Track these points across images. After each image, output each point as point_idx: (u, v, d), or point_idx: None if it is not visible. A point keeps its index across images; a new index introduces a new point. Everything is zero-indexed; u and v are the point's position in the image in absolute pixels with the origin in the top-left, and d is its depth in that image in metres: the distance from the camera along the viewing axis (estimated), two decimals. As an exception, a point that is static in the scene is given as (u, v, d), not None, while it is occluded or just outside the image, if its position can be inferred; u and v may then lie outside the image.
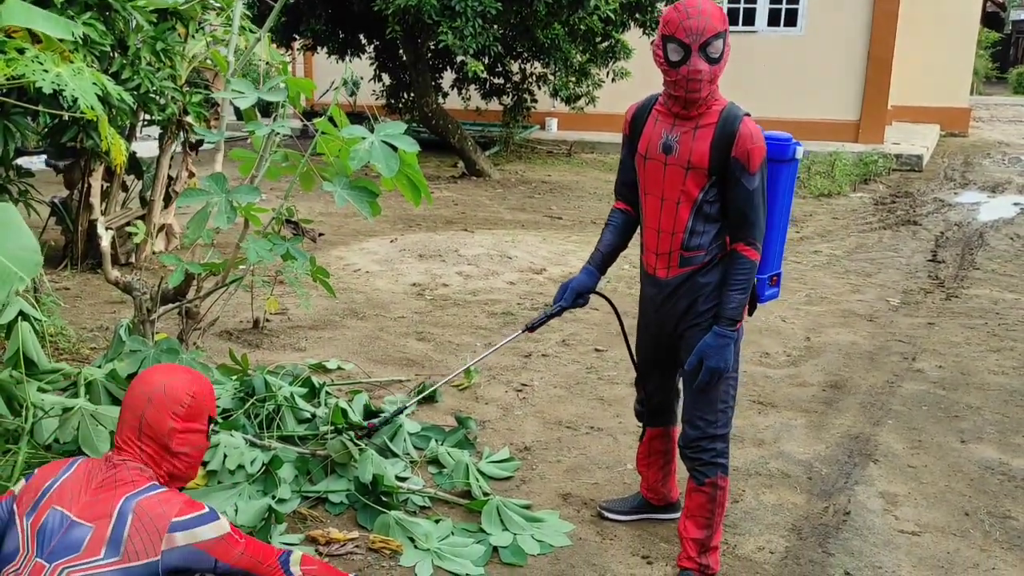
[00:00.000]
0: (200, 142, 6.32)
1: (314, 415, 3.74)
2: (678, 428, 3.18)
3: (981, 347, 5.34)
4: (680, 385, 3.09)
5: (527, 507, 3.34)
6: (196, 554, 2.01)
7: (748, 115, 2.63)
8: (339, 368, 4.70)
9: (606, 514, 3.30)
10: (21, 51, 3.34)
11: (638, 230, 2.97)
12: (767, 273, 2.86)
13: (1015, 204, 10.24)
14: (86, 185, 6.27)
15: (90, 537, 1.99)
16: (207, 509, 2.07)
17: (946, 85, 16.55)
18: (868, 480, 3.66)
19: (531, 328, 3.08)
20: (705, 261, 2.74)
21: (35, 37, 3.52)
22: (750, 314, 2.94)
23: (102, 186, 6.42)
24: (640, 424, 3.25)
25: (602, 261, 3.00)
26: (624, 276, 6.63)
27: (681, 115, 2.66)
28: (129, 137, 6.21)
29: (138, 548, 1.97)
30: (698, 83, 2.56)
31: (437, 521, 3.21)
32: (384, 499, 3.26)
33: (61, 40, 3.57)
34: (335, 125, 3.19)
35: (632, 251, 3.07)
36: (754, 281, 2.82)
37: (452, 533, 3.15)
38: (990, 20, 23.45)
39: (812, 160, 11.81)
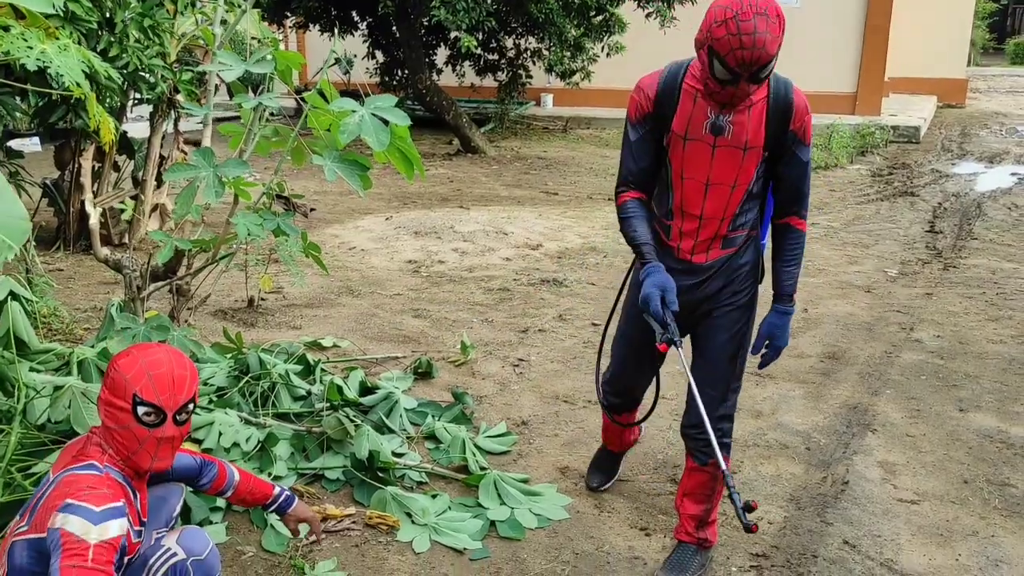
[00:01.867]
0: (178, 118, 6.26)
1: (309, 392, 3.72)
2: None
3: (979, 316, 5.32)
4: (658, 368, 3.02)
5: (524, 481, 3.33)
6: (56, 540, 1.84)
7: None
8: (335, 346, 4.67)
9: (599, 488, 3.30)
10: (6, 28, 3.29)
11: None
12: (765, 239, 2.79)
13: (1013, 174, 10.20)
14: (77, 166, 6.22)
15: (27, 505, 2.00)
16: (100, 509, 1.88)
17: (943, 56, 16.47)
18: (866, 450, 3.65)
19: (672, 341, 2.48)
20: (744, 241, 2.64)
21: (19, 13, 3.46)
22: (759, 282, 2.82)
23: (93, 166, 6.36)
24: (610, 415, 3.08)
25: (656, 252, 2.61)
26: (623, 250, 6.59)
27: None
28: (119, 116, 6.15)
29: (38, 520, 1.93)
30: (738, 99, 2.40)
31: (434, 496, 3.20)
32: (381, 475, 3.25)
33: (47, 17, 3.52)
34: (325, 99, 3.14)
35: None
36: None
37: (449, 508, 3.14)
38: (987, -10, 23.27)
39: (809, 133, 11.75)
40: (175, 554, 2.12)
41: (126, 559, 2.01)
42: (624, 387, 3.00)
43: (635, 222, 2.61)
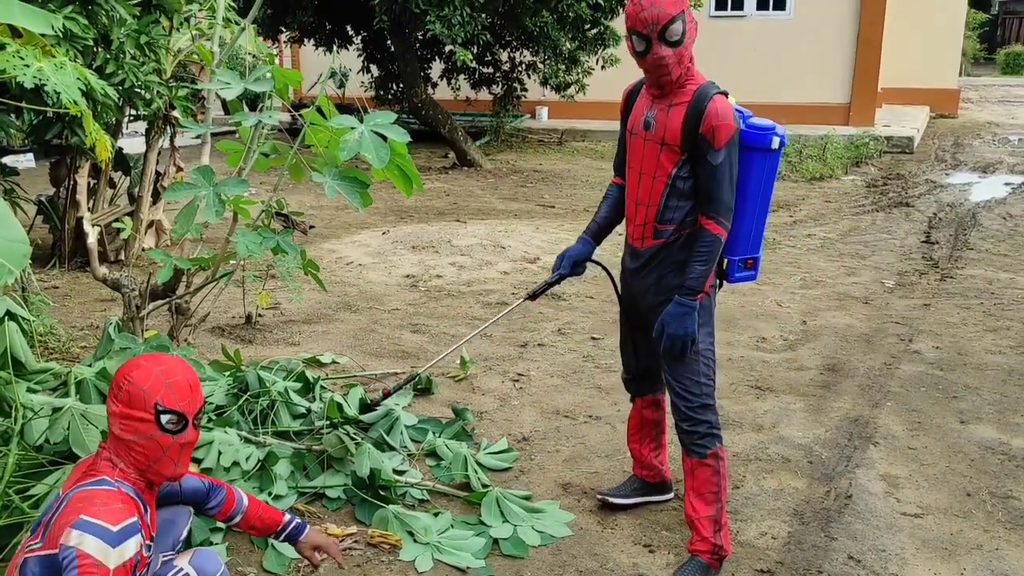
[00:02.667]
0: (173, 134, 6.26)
1: (309, 410, 3.70)
2: (667, 397, 3.18)
3: (977, 327, 5.32)
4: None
5: (527, 498, 3.31)
6: (71, 559, 1.86)
7: (724, 93, 2.69)
8: (333, 362, 4.65)
9: (609, 499, 3.26)
10: (2, 47, 3.28)
11: None
12: (739, 255, 2.89)
13: (1006, 184, 10.24)
14: (72, 182, 6.20)
15: (38, 521, 2.01)
16: (117, 528, 1.90)
17: (935, 66, 16.54)
18: (869, 463, 3.64)
19: (532, 296, 3.12)
20: (675, 236, 2.81)
21: (15, 31, 3.46)
22: (719, 287, 3.00)
23: (89, 183, 6.35)
24: (630, 396, 3.27)
25: (597, 231, 3.08)
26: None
27: (657, 95, 2.76)
28: (115, 133, 6.14)
29: (52, 535, 1.94)
30: (665, 67, 2.65)
31: (436, 514, 3.17)
32: (382, 493, 3.23)
33: (43, 34, 3.51)
34: (323, 116, 3.13)
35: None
36: (723, 260, 2.88)
37: (452, 526, 3.12)
38: (977, 1, 23.44)
39: (803, 144, 11.78)
40: (188, 575, 2.11)
41: (137, 574, 2.00)
42: (625, 361, 3.23)
43: (603, 203, 3.10)
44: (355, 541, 3.03)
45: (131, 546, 1.90)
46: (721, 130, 2.63)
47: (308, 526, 2.52)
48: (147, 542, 2.05)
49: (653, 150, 2.77)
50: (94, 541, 1.86)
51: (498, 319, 3.29)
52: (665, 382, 2.93)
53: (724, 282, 2.98)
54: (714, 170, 2.67)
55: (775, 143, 2.78)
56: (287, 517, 2.49)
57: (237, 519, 2.42)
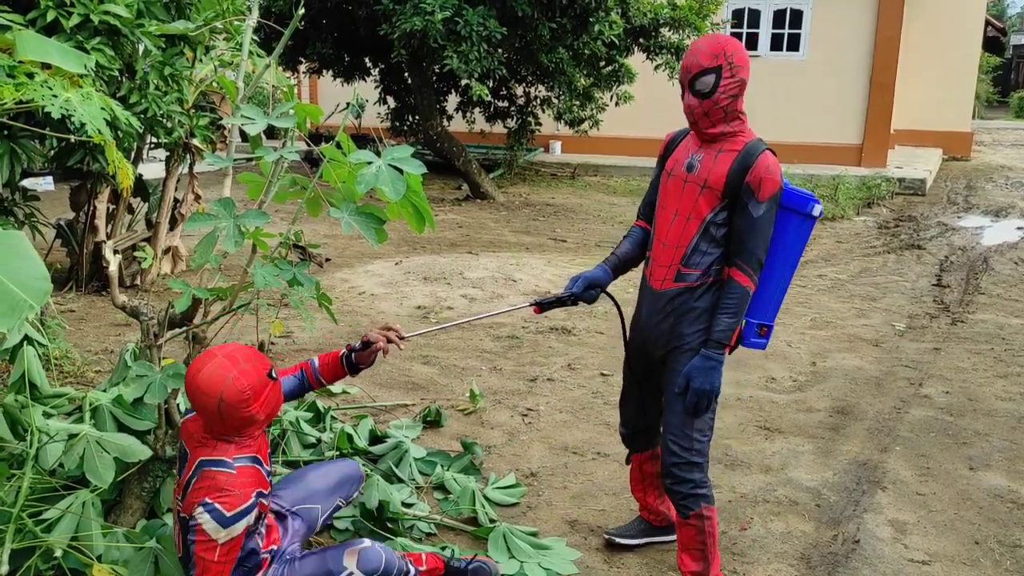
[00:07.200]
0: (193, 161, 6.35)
1: (319, 440, 3.72)
2: None
3: (988, 373, 5.31)
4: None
5: (534, 534, 3.32)
6: (193, 528, 2.31)
7: (772, 151, 2.70)
8: (344, 392, 4.68)
9: (616, 540, 3.26)
10: (30, 76, 3.36)
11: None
12: (757, 319, 2.83)
13: (1019, 228, 10.25)
14: (92, 207, 6.29)
15: (178, 482, 2.45)
16: (231, 514, 2.29)
17: (948, 109, 16.63)
18: (877, 508, 3.63)
19: (539, 304, 3.01)
20: (699, 282, 2.79)
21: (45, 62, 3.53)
22: (730, 351, 2.87)
23: (108, 208, 6.43)
24: (628, 451, 3.24)
25: (617, 264, 3.04)
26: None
27: (707, 139, 2.77)
28: (136, 160, 6.24)
29: (188, 503, 2.35)
30: (691, 116, 2.72)
31: (443, 548, 3.18)
32: (390, 525, 3.24)
33: (71, 67, 3.59)
34: (342, 151, 3.18)
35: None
36: (743, 315, 2.78)
37: (458, 561, 3.12)
38: (991, 44, 23.56)
39: (816, 184, 11.84)
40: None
41: (263, 524, 2.45)
42: (625, 411, 3.21)
43: (625, 240, 3.09)
44: (362, 573, 3.03)
45: (239, 527, 2.31)
46: (767, 183, 2.65)
47: (355, 352, 2.77)
48: (268, 481, 2.46)
49: (693, 192, 2.76)
50: (210, 521, 2.29)
51: (496, 314, 3.33)
52: (664, 434, 2.88)
53: (738, 344, 2.89)
54: (753, 222, 2.67)
55: (816, 210, 2.77)
56: (342, 352, 2.79)
57: (324, 383, 2.80)
